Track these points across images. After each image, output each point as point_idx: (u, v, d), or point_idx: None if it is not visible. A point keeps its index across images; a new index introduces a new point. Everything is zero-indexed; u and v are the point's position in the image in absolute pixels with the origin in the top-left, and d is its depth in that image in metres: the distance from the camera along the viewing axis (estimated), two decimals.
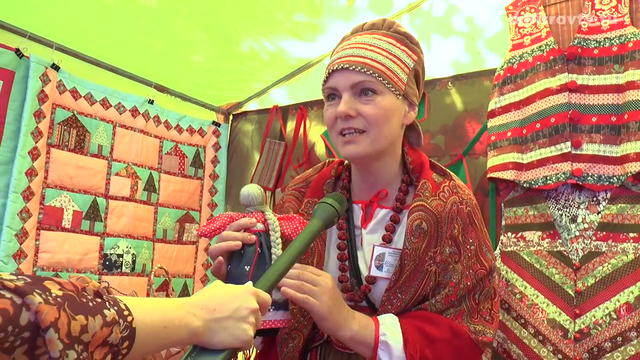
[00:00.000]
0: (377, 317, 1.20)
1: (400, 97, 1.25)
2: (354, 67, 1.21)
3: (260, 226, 1.14)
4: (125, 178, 2.79)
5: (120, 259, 2.70)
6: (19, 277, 0.62)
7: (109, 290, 2.37)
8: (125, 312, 0.69)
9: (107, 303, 0.67)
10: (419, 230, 1.23)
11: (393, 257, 1.25)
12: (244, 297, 0.86)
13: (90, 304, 0.65)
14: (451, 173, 1.36)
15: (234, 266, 1.11)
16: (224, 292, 0.87)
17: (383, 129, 1.23)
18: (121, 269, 2.71)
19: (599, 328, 1.81)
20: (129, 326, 0.68)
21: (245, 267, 1.09)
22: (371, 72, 1.20)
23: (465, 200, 1.29)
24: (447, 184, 1.30)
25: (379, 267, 1.25)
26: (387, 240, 1.28)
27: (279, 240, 1.13)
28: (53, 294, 0.62)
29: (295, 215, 1.23)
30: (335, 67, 1.23)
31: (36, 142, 2.41)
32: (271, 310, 1.09)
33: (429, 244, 1.23)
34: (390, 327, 1.17)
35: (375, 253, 1.26)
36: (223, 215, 1.18)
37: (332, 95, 1.27)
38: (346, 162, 1.43)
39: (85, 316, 0.63)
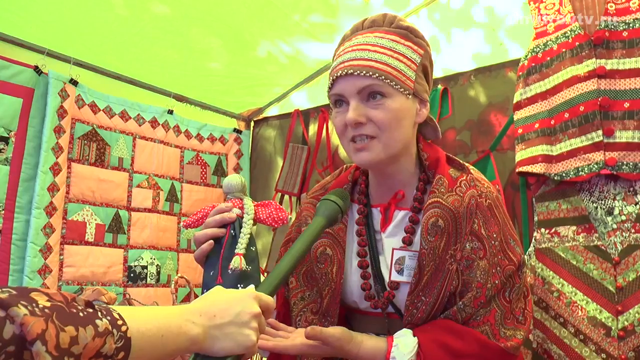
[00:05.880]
0: (393, 336, 1.16)
1: (410, 97, 1.20)
2: (358, 71, 1.15)
3: (237, 211, 1.20)
4: (147, 189, 2.80)
5: (145, 270, 2.71)
6: (4, 289, 0.59)
7: (130, 302, 2.36)
8: (119, 322, 0.66)
9: (99, 313, 0.64)
10: (435, 228, 1.17)
11: (413, 260, 1.20)
12: (246, 301, 0.83)
13: (81, 314, 0.62)
14: (470, 166, 1.29)
15: (212, 251, 1.17)
16: (224, 297, 0.83)
17: (395, 134, 1.18)
18: (146, 281, 2.72)
19: None
20: (123, 336, 0.65)
21: (221, 250, 1.15)
22: (377, 75, 1.15)
23: (485, 194, 1.23)
24: (464, 178, 1.24)
25: (400, 272, 1.20)
26: (407, 242, 1.23)
27: (251, 222, 1.18)
28: (40, 305, 0.59)
29: (272, 201, 1.25)
30: (339, 74, 1.18)
31: (57, 158, 2.43)
32: (240, 287, 1.11)
33: (447, 242, 1.17)
34: (402, 348, 1.12)
35: (395, 257, 1.21)
36: (206, 206, 1.25)
37: (339, 102, 1.22)
38: None
39: (75, 327, 0.60)
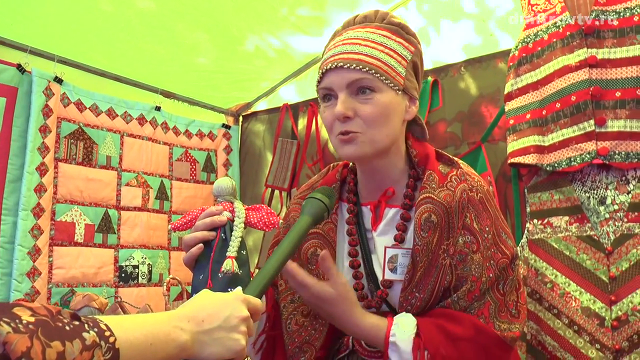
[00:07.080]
0: (393, 317, 1.15)
1: (399, 93, 1.19)
2: (349, 64, 1.14)
3: (228, 214, 1.18)
4: (136, 188, 2.77)
5: (136, 270, 2.68)
6: None
7: (122, 305, 2.32)
8: (107, 333, 0.64)
9: (85, 325, 0.62)
10: (428, 224, 1.16)
11: (406, 257, 1.19)
12: (234, 304, 0.82)
13: (67, 327, 0.60)
14: (459, 161, 1.28)
15: (202, 255, 1.14)
16: (212, 301, 0.82)
17: (382, 129, 1.16)
18: (137, 281, 2.69)
19: (638, 314, 1.72)
20: (111, 347, 0.63)
21: (211, 253, 1.13)
22: (367, 69, 1.14)
23: (476, 187, 1.22)
24: (454, 172, 1.23)
25: (393, 270, 1.19)
26: (399, 240, 1.21)
27: (242, 225, 1.17)
28: (24, 321, 0.57)
29: (263, 205, 1.23)
30: (329, 66, 1.17)
31: (43, 158, 2.39)
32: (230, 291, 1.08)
33: (440, 237, 1.17)
34: (402, 326, 1.12)
35: (388, 255, 1.20)
36: (195, 209, 1.22)
37: (328, 96, 1.20)
38: (351, 164, 1.37)
39: (61, 342, 0.58)
